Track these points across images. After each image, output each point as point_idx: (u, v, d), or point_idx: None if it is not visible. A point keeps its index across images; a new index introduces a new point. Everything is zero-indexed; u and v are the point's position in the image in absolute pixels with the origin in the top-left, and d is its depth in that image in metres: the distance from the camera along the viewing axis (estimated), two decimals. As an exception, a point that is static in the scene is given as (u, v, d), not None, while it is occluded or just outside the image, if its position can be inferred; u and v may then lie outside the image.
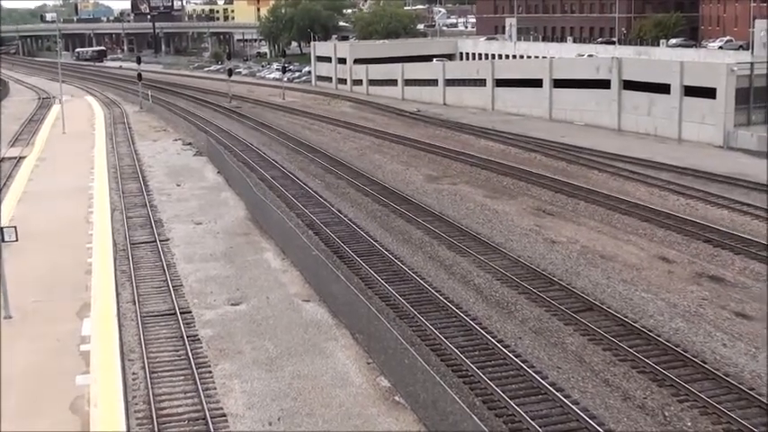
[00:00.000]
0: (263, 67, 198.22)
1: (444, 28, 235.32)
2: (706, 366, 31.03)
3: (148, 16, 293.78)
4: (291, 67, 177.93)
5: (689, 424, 27.28)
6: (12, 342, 32.02)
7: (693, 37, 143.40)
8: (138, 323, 35.56)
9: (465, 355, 32.18)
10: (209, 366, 31.52)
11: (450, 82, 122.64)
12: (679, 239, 48.04)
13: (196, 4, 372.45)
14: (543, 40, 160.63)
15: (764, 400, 28.46)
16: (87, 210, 53.96)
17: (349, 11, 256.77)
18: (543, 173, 66.54)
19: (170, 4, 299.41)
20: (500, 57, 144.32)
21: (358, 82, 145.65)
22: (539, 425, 26.75)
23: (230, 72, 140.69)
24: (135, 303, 38.02)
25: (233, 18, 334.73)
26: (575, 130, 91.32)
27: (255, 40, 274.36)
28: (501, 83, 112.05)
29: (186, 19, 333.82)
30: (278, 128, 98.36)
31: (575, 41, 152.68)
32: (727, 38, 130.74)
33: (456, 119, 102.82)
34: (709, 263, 44.10)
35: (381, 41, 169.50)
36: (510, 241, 48.17)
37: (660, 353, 32.30)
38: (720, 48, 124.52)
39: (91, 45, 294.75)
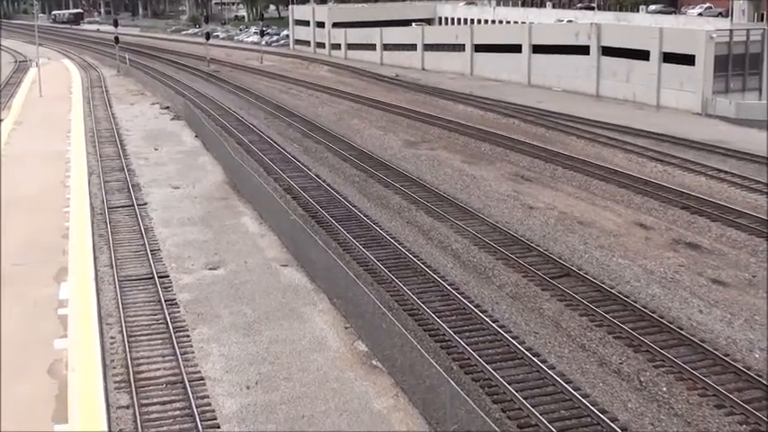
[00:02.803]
0: (240, 30, 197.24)
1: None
2: (682, 332, 31.21)
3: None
4: (269, 30, 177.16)
5: (664, 389, 27.48)
6: (-11, 306, 31.97)
7: (673, 3, 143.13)
8: (115, 287, 35.49)
9: (442, 319, 32.28)
10: (187, 330, 31.53)
11: (429, 47, 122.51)
12: (656, 206, 48.22)
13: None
14: (522, 5, 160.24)
15: (739, 366, 28.70)
16: (64, 174, 53.78)
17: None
18: (521, 138, 66.60)
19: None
20: (479, 22, 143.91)
21: (336, 46, 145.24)
22: (515, 389, 26.88)
23: (208, 35, 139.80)
24: (112, 267, 37.92)
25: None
26: (553, 95, 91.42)
27: (233, 4, 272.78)
28: (480, 48, 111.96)
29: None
30: (256, 92, 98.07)
31: (554, 7, 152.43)
32: (707, 5, 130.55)
33: (434, 84, 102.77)
34: (686, 230, 44.30)
35: (360, 5, 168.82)
36: (488, 207, 48.24)
37: (636, 319, 32.47)
38: (700, 14, 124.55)
39: (68, 7, 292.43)
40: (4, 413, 24.29)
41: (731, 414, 26.02)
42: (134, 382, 27.39)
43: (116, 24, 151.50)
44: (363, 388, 27.01)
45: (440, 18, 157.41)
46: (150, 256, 39.50)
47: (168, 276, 37.12)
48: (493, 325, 31.87)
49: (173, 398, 26.68)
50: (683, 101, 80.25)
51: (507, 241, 41.63)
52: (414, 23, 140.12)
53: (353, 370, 28.25)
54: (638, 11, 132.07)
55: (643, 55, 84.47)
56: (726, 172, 54.71)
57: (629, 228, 44.43)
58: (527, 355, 29.42)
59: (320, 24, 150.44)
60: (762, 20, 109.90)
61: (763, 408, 26.05)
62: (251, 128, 74.19)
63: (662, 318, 32.59)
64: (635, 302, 33.93)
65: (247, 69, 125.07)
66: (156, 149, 64.79)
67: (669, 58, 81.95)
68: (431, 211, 47.00)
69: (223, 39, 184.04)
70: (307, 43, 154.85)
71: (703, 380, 27.63)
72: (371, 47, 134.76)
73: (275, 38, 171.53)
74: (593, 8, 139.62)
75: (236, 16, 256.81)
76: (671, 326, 31.76)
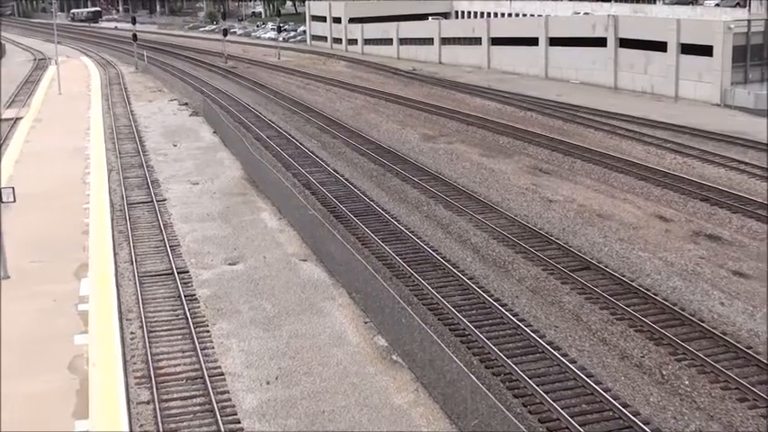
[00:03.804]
0: (258, 27, 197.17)
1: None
2: (703, 325, 31.07)
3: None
4: (286, 26, 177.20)
5: (686, 382, 27.36)
6: (10, 302, 32.03)
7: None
8: (135, 283, 35.60)
9: (462, 314, 32.21)
10: (207, 326, 31.58)
11: (446, 41, 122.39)
12: (676, 198, 48.04)
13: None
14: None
15: (762, 358, 28.54)
16: (84, 170, 53.89)
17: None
18: (539, 131, 66.45)
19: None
20: (495, 15, 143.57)
21: (353, 41, 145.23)
22: (536, 384, 26.81)
23: (225, 32, 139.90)
24: (132, 263, 38.04)
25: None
26: (570, 88, 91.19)
27: (250, 0, 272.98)
28: (496, 41, 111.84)
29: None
30: (273, 87, 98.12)
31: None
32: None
33: (451, 78, 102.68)
34: (707, 221, 44.12)
35: (376, 0, 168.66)
36: (507, 200, 48.13)
37: (657, 311, 32.35)
38: (717, 5, 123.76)
39: (86, 6, 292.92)
40: (26, 409, 24.34)
41: (755, 407, 25.87)
42: (154, 377, 27.44)
43: (134, 22, 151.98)
44: (383, 383, 26.98)
45: (456, 12, 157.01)
46: (170, 251, 39.59)
47: (188, 272, 37.20)
48: (513, 319, 31.79)
49: (193, 393, 26.73)
50: (702, 92, 79.97)
51: (526, 235, 41.52)
52: (430, 17, 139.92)
53: (373, 365, 28.23)
54: (654, 2, 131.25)
55: (660, 46, 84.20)
56: (746, 163, 54.46)
57: (649, 220, 44.26)
58: (548, 349, 29.32)
59: (337, 20, 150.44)
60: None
61: (785, 400, 25.94)
62: (269, 123, 74.21)
63: (683, 310, 32.44)
64: (656, 295, 33.79)
65: (265, 65, 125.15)
66: (174, 146, 64.91)
67: (687, 49, 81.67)
68: (449, 205, 46.91)
69: (240, 35, 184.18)
70: (323, 39, 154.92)
71: (726, 373, 27.49)
72: (388, 41, 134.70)
73: (292, 34, 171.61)
74: (609, 0, 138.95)
75: (253, 13, 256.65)
76: (692, 318, 31.62)
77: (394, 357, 28.65)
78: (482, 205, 46.74)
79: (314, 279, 35.99)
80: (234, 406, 25.80)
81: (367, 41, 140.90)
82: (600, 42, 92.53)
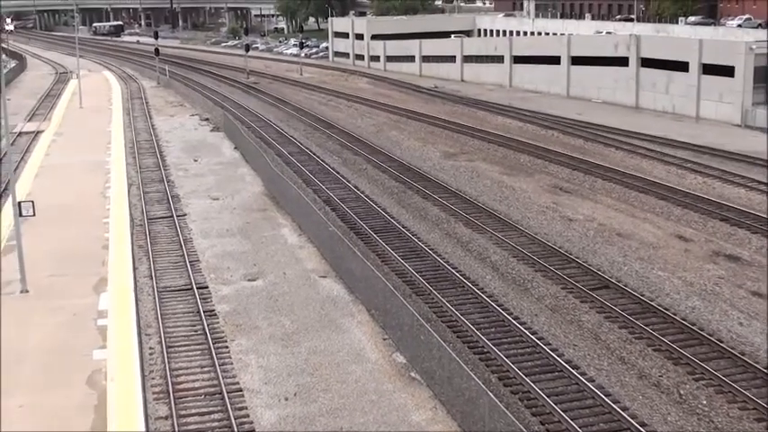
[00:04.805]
0: (280, 42, 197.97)
1: (462, 4, 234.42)
2: (722, 345, 30.97)
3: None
4: (309, 42, 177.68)
5: (704, 402, 27.26)
6: (28, 316, 32.20)
7: (712, 15, 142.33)
8: (154, 298, 35.70)
9: (481, 331, 32.19)
10: (226, 341, 31.64)
11: (468, 58, 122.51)
12: (696, 218, 47.90)
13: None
14: (561, 17, 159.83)
15: (781, 379, 28.48)
16: (104, 184, 54.11)
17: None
18: (560, 150, 66.38)
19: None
20: (518, 33, 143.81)
21: (375, 58, 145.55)
22: (554, 402, 26.76)
23: (247, 47, 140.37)
24: (152, 278, 38.15)
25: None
26: (592, 107, 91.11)
27: (273, 16, 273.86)
28: (519, 60, 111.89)
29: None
30: (295, 103, 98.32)
31: (593, 18, 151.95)
32: (746, 16, 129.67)
33: (473, 95, 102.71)
34: (726, 241, 43.97)
35: (399, 17, 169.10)
36: (527, 218, 48.10)
37: (676, 331, 32.26)
38: (739, 26, 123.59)
39: (108, 20, 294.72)
40: (44, 423, 24.43)
41: (773, 428, 25.80)
42: (172, 392, 27.50)
43: (156, 36, 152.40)
44: (402, 400, 26.98)
45: (479, 30, 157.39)
46: (189, 266, 39.70)
47: (207, 287, 37.28)
48: (532, 337, 31.75)
49: (211, 409, 26.77)
50: (723, 112, 79.78)
51: (546, 253, 41.46)
52: (453, 35, 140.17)
53: (392, 382, 28.23)
54: (677, 22, 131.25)
55: (682, 66, 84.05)
56: (766, 184, 54.22)
57: (669, 240, 44.15)
58: (566, 368, 29.28)
59: (359, 37, 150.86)
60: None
61: (805, 422, 25.80)
62: (290, 139, 74.36)
63: (702, 330, 32.34)
64: (675, 315, 33.70)
65: (287, 81, 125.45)
66: (195, 161, 65.12)
67: (708, 69, 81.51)
68: (469, 223, 46.91)
69: (262, 51, 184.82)
70: (346, 55, 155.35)
71: (744, 393, 27.39)
72: (410, 59, 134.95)
73: (315, 50, 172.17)
74: (632, 20, 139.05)
75: (275, 28, 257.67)
76: (711, 338, 31.52)
77: (412, 374, 28.65)
78: (502, 223, 46.72)
79: (333, 295, 36.04)
80: (252, 422, 25.83)
81: (389, 58, 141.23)
82: (622, 62, 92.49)
